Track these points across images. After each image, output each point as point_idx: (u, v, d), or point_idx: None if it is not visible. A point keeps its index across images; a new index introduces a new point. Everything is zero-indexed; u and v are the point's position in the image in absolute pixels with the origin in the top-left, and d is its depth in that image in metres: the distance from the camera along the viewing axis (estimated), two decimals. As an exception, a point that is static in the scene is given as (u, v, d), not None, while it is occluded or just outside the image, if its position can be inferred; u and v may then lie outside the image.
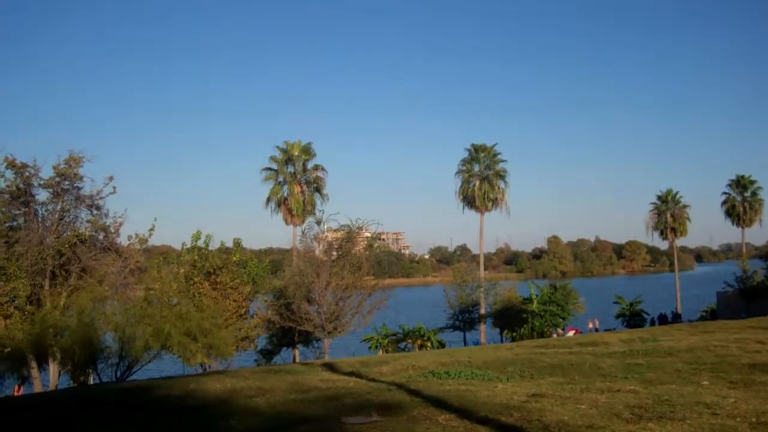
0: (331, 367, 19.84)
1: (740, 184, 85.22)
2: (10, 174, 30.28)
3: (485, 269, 76.72)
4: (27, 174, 30.24)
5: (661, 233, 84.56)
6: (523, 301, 62.34)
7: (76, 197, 31.23)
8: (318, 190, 60.70)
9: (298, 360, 42.24)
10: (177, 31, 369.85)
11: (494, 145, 72.25)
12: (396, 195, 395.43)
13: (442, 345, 55.15)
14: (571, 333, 53.57)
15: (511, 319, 60.64)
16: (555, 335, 53.90)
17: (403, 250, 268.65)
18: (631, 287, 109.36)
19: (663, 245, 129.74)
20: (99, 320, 29.47)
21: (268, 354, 43.89)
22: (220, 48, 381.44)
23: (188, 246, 40.04)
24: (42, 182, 30.66)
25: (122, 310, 30.35)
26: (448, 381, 14.79)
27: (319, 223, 41.82)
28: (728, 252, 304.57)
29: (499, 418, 9.77)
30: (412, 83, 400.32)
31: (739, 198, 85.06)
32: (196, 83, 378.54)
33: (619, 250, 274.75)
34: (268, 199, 60.60)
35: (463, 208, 72.59)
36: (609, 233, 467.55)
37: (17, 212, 30.76)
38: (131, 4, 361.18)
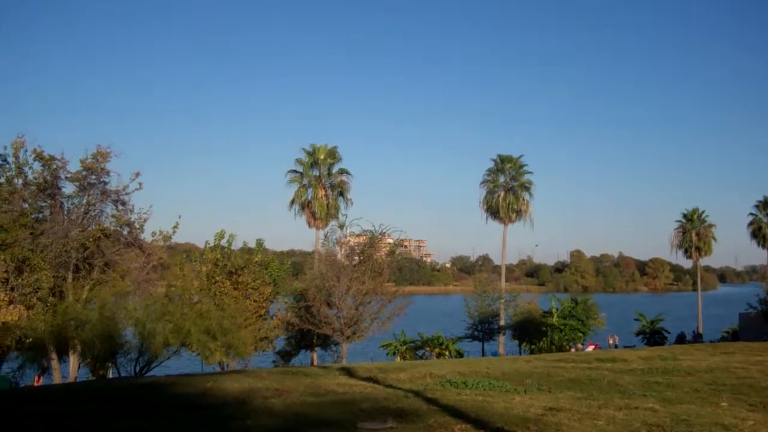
0: (348, 372, 19.83)
1: (767, 205, 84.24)
2: (38, 166, 30.61)
3: (506, 280, 76.38)
4: (54, 167, 30.53)
5: (686, 252, 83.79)
6: (543, 314, 61.97)
7: (102, 192, 31.47)
8: (342, 194, 60.80)
9: (315, 363, 42.26)
10: (204, 30, 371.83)
11: (520, 157, 72.08)
12: (420, 202, 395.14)
13: (460, 354, 54.91)
14: (590, 348, 53.15)
15: (530, 332, 60.30)
16: (574, 350, 53.55)
17: (424, 258, 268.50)
18: (653, 305, 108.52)
19: (687, 264, 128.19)
20: (120, 315, 29.69)
21: (286, 355, 43.93)
22: (251, 47, 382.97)
23: (211, 245, 40.24)
24: (69, 175, 30.94)
25: (143, 305, 30.55)
26: (466, 391, 14.75)
27: (342, 227, 41.96)
28: (753, 273, 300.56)
29: (516, 430, 9.74)
30: (444, 91, 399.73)
31: (765, 219, 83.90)
32: (227, 82, 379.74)
33: (642, 267, 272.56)
34: (292, 202, 60.79)
35: (487, 219, 72.42)
36: (632, 250, 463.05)
37: (43, 204, 31.06)
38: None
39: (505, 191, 70.50)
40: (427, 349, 55.54)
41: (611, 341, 62.11)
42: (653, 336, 68.79)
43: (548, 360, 26.19)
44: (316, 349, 44.44)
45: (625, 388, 15.87)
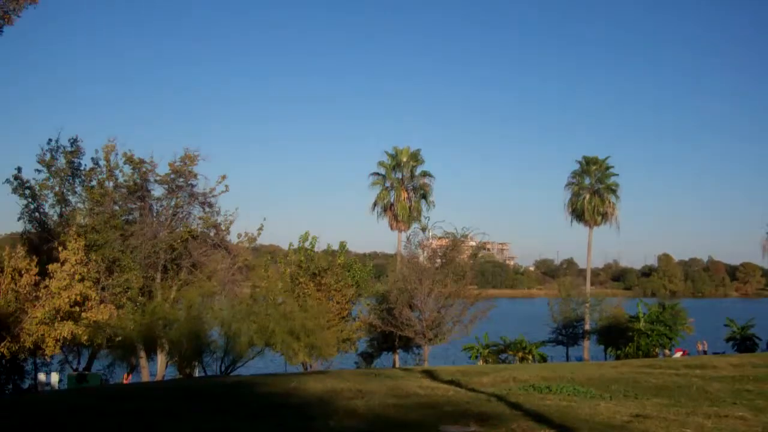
0: (430, 374, 19.79)
1: None
2: (128, 169, 31.52)
3: (592, 284, 75.11)
4: (144, 170, 31.38)
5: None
6: (629, 319, 60.68)
7: (190, 194, 32.21)
8: (424, 196, 60.76)
9: (397, 365, 42.30)
10: (286, 34, 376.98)
11: (606, 158, 70.60)
12: (503, 205, 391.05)
13: (543, 359, 54.29)
14: (678, 354, 51.93)
15: (616, 337, 59.16)
16: (661, 356, 52.35)
17: (507, 261, 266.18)
18: (744, 310, 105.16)
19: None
20: (207, 315, 30.30)
21: (368, 357, 44.14)
22: (341, 47, 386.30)
23: (295, 246, 40.70)
24: (158, 178, 31.77)
25: (229, 306, 31.12)
26: (549, 396, 14.53)
27: (424, 229, 41.86)
28: None
29: (601, 437, 9.54)
30: (527, 91, 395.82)
31: None
32: (318, 81, 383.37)
33: (733, 272, 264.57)
34: (375, 204, 61.01)
35: (572, 221, 71.18)
36: (723, 254, 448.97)
37: (133, 206, 31.97)
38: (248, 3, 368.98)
39: (590, 193, 69.20)
40: (510, 353, 55.06)
41: (700, 347, 60.54)
42: (744, 342, 66.59)
43: (635, 366, 25.60)
44: (398, 351, 44.51)
45: (714, 396, 15.40)
